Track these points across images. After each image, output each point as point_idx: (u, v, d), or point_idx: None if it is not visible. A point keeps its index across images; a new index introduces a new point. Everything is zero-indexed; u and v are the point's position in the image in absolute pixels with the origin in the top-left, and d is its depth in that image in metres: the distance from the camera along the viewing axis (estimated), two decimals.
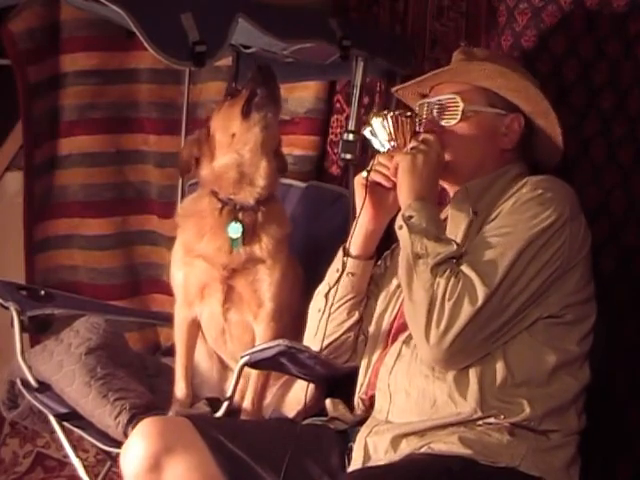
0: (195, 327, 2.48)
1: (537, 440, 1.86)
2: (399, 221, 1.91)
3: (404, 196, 1.94)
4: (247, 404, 2.40)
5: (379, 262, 2.17)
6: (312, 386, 2.24)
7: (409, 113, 2.04)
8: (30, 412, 2.55)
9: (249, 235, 2.37)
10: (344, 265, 2.07)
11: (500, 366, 1.86)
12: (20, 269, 3.31)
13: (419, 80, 2.17)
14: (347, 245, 2.09)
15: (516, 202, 1.92)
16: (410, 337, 1.93)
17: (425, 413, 1.88)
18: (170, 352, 2.64)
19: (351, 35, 2.47)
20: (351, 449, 1.99)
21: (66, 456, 2.55)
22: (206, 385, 2.54)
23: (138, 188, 3.37)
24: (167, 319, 2.67)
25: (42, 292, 2.62)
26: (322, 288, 2.14)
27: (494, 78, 2.05)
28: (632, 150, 2.29)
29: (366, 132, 2.06)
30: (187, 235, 2.43)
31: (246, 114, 2.35)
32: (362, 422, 2.01)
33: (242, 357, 2.13)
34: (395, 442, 1.89)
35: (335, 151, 2.94)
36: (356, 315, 2.12)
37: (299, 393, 2.37)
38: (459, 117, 2.04)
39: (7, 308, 2.47)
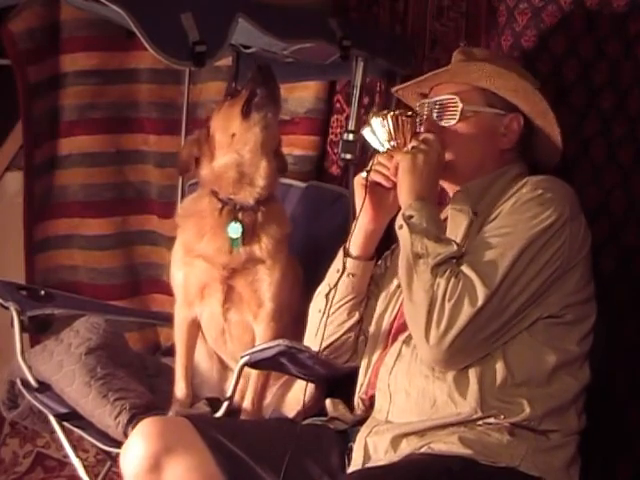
0: (195, 327, 2.48)
1: (537, 440, 1.86)
2: (399, 221, 1.91)
3: (404, 196, 1.94)
4: (247, 404, 2.40)
5: (379, 262, 2.17)
6: (312, 386, 2.25)
7: (409, 113, 2.04)
8: (30, 412, 2.55)
9: (249, 235, 2.37)
10: (344, 266, 2.07)
11: (500, 366, 1.86)
12: (20, 269, 3.31)
13: (419, 80, 2.17)
14: (347, 245, 2.09)
15: (516, 202, 1.92)
16: (410, 337, 1.93)
17: (425, 413, 1.88)
18: (170, 352, 2.64)
19: (351, 35, 2.47)
20: (351, 449, 1.99)
21: (66, 456, 2.55)
22: (206, 385, 2.53)
23: (138, 188, 3.37)
24: (167, 319, 2.67)
25: (42, 292, 2.62)
26: (322, 288, 2.14)
27: (493, 78, 2.05)
28: (632, 150, 2.29)
29: (366, 132, 2.06)
30: (187, 235, 2.43)
31: (246, 114, 2.35)
32: (362, 422, 2.01)
33: (242, 357, 2.13)
34: (395, 442, 1.89)
35: (335, 151, 2.93)
36: (356, 315, 2.12)
37: (299, 393, 2.36)
38: (458, 117, 2.04)
39: (7, 308, 2.47)
